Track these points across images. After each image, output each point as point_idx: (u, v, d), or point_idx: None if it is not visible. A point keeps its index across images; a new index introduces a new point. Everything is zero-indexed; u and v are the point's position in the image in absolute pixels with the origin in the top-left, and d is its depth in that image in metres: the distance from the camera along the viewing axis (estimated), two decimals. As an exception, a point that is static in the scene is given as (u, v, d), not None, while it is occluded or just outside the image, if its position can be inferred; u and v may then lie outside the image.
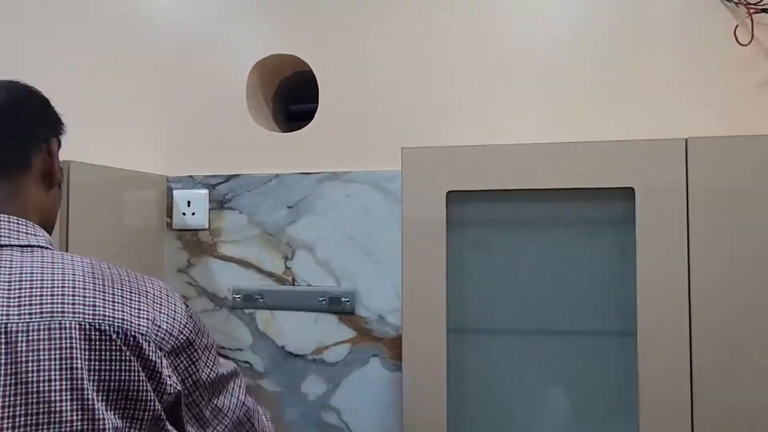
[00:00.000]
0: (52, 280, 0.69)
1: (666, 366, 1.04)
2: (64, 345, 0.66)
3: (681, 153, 1.06)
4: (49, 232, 0.81)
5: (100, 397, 0.66)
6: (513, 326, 1.19)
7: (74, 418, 0.65)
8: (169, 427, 0.72)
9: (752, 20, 1.27)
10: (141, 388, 0.69)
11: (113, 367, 0.68)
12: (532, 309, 1.17)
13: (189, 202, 1.54)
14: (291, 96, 1.65)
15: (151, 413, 0.69)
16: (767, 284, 1.03)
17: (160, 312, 0.73)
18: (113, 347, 0.68)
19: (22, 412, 0.63)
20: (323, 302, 1.41)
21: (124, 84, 1.61)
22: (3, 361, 0.64)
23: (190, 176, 1.55)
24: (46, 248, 0.75)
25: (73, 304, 0.68)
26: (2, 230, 0.73)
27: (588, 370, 1.15)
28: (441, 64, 1.42)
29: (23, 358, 0.65)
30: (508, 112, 1.39)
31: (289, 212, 1.48)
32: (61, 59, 1.66)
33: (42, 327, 0.66)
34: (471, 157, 1.13)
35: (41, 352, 0.65)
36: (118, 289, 0.71)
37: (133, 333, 0.69)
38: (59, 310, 0.67)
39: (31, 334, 0.65)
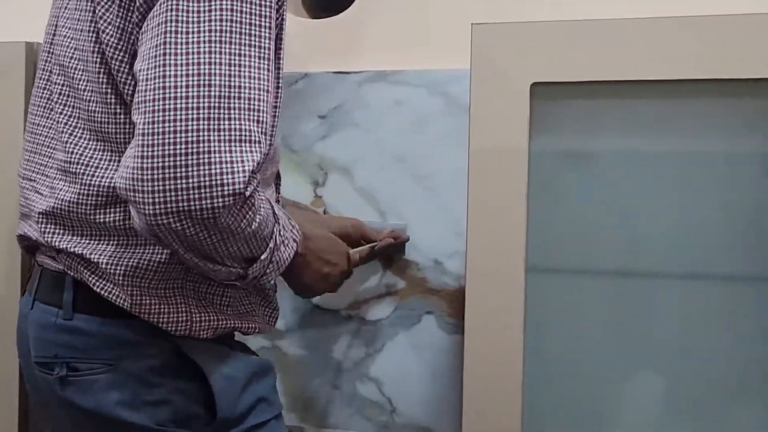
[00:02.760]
0: None
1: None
2: None
3: None
4: None
5: None
6: (615, 267, 1.06)
7: None
8: None
9: None
10: None
11: None
12: (641, 244, 1.05)
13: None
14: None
15: None
16: None
17: None
18: None
19: None
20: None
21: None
22: None
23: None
24: None
25: None
26: None
27: (715, 326, 1.03)
28: None
29: None
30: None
31: (321, 124, 1.36)
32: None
33: None
34: (565, 37, 0.99)
35: None
36: None
37: None
38: None
39: None
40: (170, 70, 0.70)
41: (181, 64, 0.70)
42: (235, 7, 0.73)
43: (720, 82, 0.95)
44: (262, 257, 0.80)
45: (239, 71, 0.72)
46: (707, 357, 1.02)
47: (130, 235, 0.84)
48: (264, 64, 0.74)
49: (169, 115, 0.69)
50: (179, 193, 0.69)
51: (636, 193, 1.03)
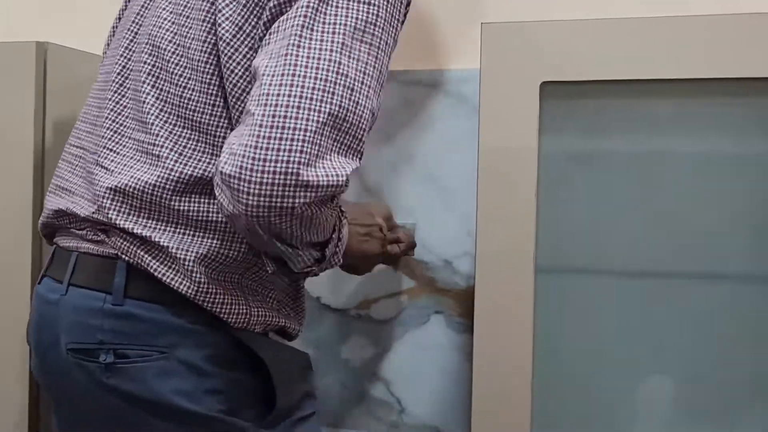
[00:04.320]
0: None
1: None
2: None
3: None
4: None
5: None
6: (624, 267, 1.05)
7: None
8: None
9: None
10: None
11: None
12: (651, 244, 1.03)
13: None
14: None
15: None
16: None
17: None
18: None
19: None
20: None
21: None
22: None
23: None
24: None
25: None
26: None
27: (726, 326, 1.01)
28: None
29: None
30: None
31: (330, 123, 1.30)
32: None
33: None
34: (574, 36, 0.97)
35: None
36: None
37: None
38: None
39: None
40: (300, 71, 0.73)
41: (312, 68, 0.73)
42: (367, 29, 0.77)
43: (731, 81, 0.93)
44: (333, 236, 0.84)
45: (360, 89, 0.76)
46: (719, 357, 1.00)
47: (200, 227, 0.84)
48: (378, 88, 0.79)
49: (292, 113, 0.71)
50: (287, 189, 0.71)
51: (646, 192, 1.02)
